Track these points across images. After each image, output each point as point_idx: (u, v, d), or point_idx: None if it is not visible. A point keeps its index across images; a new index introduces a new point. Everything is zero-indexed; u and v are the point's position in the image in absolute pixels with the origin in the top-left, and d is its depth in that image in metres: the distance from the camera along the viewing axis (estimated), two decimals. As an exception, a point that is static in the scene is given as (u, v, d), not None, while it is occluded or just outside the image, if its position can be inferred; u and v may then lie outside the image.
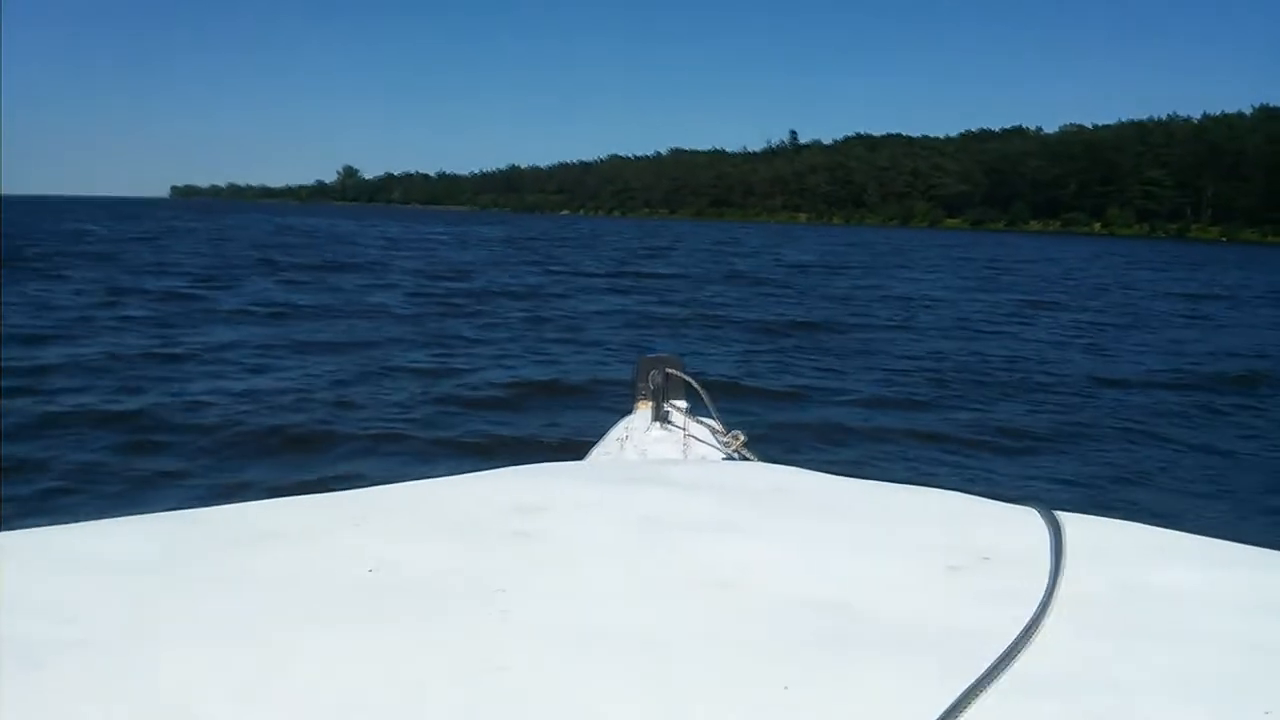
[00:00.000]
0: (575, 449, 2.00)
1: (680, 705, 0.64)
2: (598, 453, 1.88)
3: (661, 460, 1.73)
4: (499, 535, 0.96)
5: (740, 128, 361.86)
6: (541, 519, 1.01)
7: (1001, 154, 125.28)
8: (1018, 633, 0.73)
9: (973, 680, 0.65)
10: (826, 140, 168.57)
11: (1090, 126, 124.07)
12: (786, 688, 0.65)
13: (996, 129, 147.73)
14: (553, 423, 6.80)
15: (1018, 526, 1.01)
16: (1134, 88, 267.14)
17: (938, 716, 0.60)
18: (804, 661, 0.70)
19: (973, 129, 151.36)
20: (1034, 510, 1.05)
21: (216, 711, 0.61)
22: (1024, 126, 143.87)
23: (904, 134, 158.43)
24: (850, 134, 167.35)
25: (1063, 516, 1.01)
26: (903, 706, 0.63)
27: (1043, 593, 0.81)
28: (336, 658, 0.68)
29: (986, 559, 0.91)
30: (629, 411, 2.01)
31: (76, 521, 0.96)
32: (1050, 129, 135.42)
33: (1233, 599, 0.84)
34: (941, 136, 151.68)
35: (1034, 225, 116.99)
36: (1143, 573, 0.89)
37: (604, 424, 2.02)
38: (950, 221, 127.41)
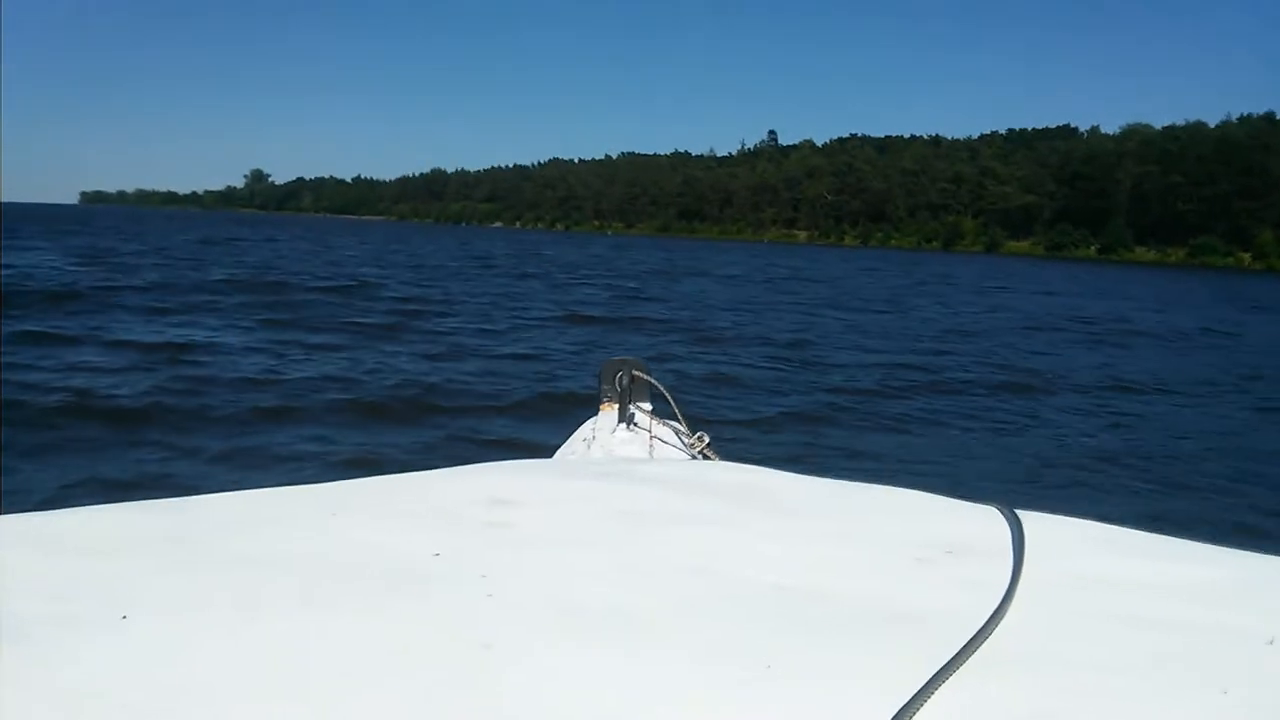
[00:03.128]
0: (541, 451, 2.03)
1: (666, 681, 0.66)
2: (563, 454, 1.91)
3: (629, 459, 1.75)
4: (476, 525, 0.98)
5: (704, 130, 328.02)
6: (516, 511, 1.03)
7: (1086, 156, 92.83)
8: (985, 618, 0.76)
9: (944, 661, 0.68)
10: (819, 140, 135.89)
11: (1210, 124, 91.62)
12: (769, 666, 0.68)
13: (1030, 129, 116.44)
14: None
15: (980, 523, 1.04)
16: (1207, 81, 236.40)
17: (913, 693, 0.63)
18: (784, 642, 0.72)
19: (999, 130, 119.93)
20: (994, 508, 1.08)
21: (206, 693, 0.62)
22: (1073, 126, 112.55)
23: (918, 134, 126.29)
24: (846, 134, 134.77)
25: (1022, 514, 1.04)
26: (881, 684, 0.65)
27: (1007, 582, 0.84)
28: (322, 639, 0.69)
29: (951, 552, 0.95)
30: (594, 413, 2.05)
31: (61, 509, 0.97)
32: (1109, 128, 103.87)
33: (1184, 589, 0.88)
34: (975, 136, 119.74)
35: (1142, 253, 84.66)
36: (1100, 565, 0.93)
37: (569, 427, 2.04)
38: (1015, 245, 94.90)
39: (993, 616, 0.76)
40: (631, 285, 24.14)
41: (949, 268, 50.40)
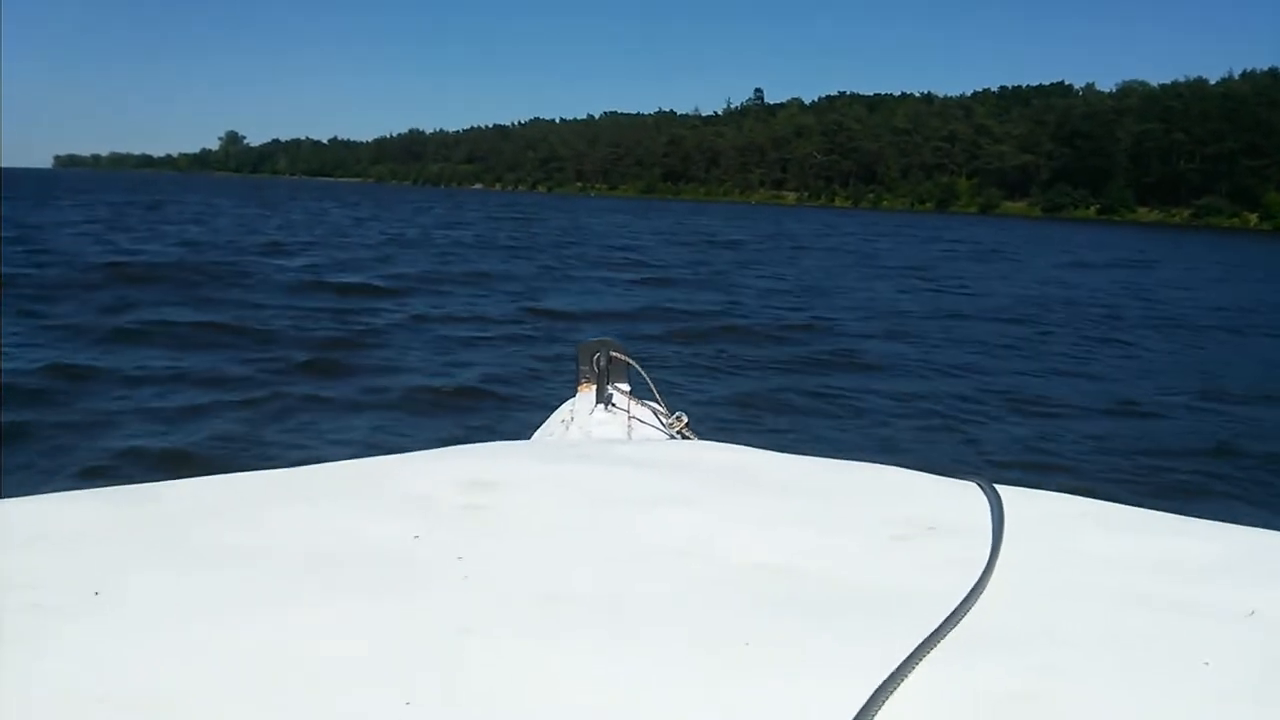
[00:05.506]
0: (518, 432, 2.08)
1: (645, 662, 0.66)
2: (541, 435, 1.91)
3: (607, 440, 1.75)
4: (452, 509, 0.97)
5: (688, 89, 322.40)
6: (493, 494, 1.02)
7: (1083, 114, 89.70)
8: (964, 595, 0.76)
9: (923, 638, 0.68)
10: (807, 99, 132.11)
11: (1210, 80, 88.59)
12: (748, 644, 0.68)
13: (1025, 85, 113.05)
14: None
15: (960, 499, 1.04)
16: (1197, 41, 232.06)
17: (891, 672, 0.63)
18: (762, 622, 0.72)
19: (992, 87, 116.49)
20: (974, 484, 1.08)
21: (182, 684, 0.61)
22: (1068, 83, 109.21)
23: (909, 91, 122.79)
24: (835, 92, 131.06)
25: (1002, 489, 1.04)
26: (860, 663, 0.65)
27: (986, 559, 0.84)
28: (298, 627, 0.69)
29: (931, 529, 0.95)
30: (572, 395, 2.05)
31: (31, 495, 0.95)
32: (1105, 86, 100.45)
33: (1164, 563, 0.88)
34: (969, 94, 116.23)
35: (1145, 213, 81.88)
36: (1078, 540, 0.94)
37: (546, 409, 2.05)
38: (1011, 205, 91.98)
39: (970, 594, 0.76)
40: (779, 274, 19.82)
41: (979, 232, 46.32)
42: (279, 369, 7.80)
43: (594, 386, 2.01)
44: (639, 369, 2.02)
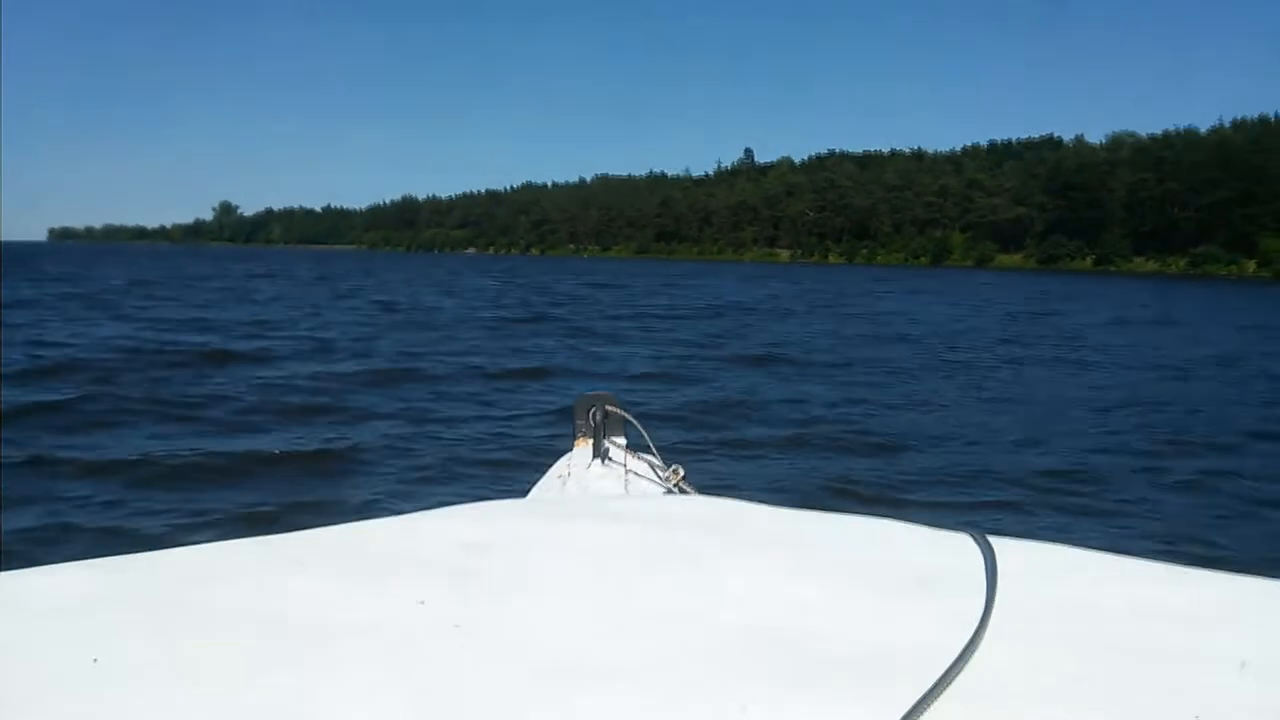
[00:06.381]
0: (516, 489, 2.09)
1: None
2: (539, 491, 1.91)
3: (604, 496, 1.77)
4: (448, 573, 0.96)
5: (678, 150, 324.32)
6: (489, 556, 1.02)
7: (1076, 166, 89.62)
8: (959, 651, 0.76)
9: (919, 695, 0.68)
10: (797, 158, 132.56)
11: (1200, 130, 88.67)
12: (744, 708, 0.67)
13: (1014, 140, 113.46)
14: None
15: (952, 551, 1.04)
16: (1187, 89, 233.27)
17: None
18: (758, 684, 0.72)
19: (980, 142, 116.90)
20: (967, 535, 1.08)
21: None
22: (1057, 136, 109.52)
23: (899, 149, 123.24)
24: (825, 151, 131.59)
25: (994, 540, 1.05)
26: None
27: (980, 613, 0.84)
28: (291, 699, 0.68)
29: (924, 583, 0.95)
30: (569, 449, 2.06)
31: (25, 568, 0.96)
32: (1094, 138, 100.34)
33: (1157, 613, 0.89)
34: (958, 149, 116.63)
35: (1141, 263, 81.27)
36: (1071, 592, 0.94)
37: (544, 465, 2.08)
38: (1006, 258, 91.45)
39: (965, 649, 0.77)
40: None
41: (1000, 291, 42.96)
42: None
43: (591, 441, 2.00)
44: (635, 423, 2.01)
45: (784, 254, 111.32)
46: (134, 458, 6.25)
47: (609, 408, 2.02)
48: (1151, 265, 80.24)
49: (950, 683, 0.71)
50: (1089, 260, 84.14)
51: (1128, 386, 11.78)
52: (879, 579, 0.96)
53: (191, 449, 6.62)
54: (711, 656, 0.77)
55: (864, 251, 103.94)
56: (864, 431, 8.24)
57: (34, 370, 9.93)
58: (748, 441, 7.73)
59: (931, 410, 9.73)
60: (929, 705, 0.67)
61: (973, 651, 0.76)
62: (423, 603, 0.87)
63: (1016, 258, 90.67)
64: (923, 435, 8.15)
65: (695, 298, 31.07)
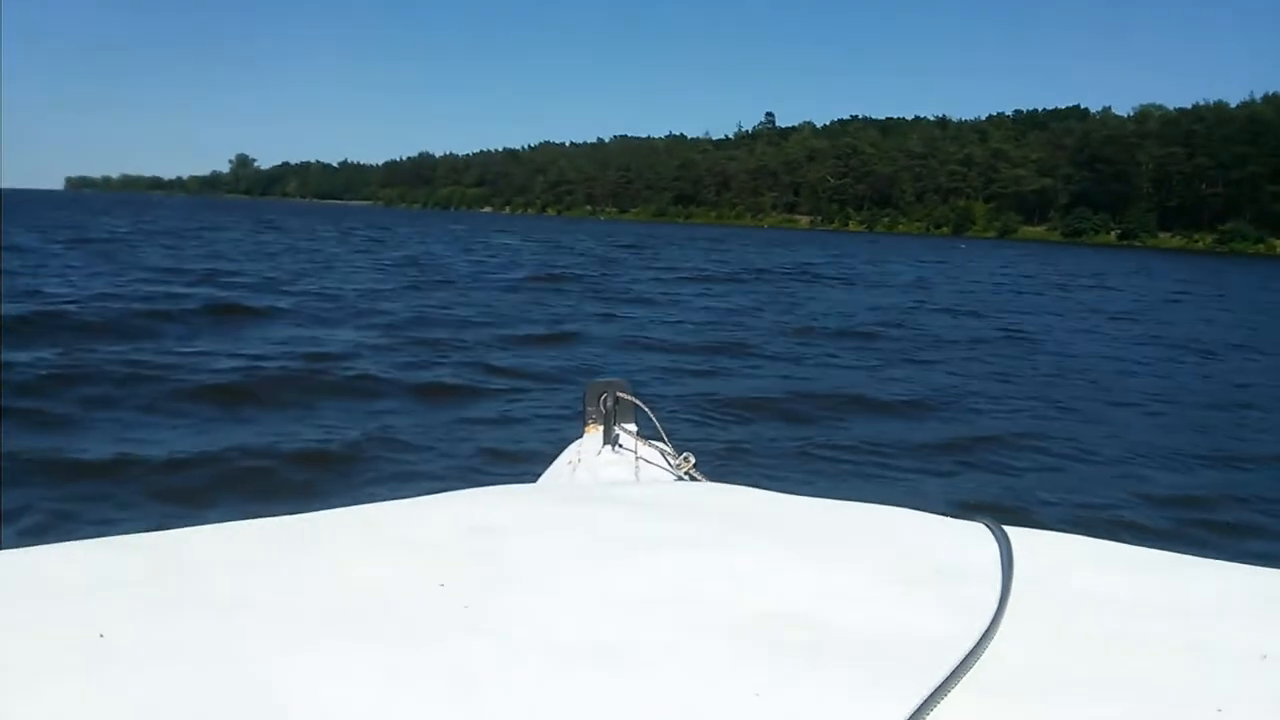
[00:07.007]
0: (525, 474, 2.04)
1: (655, 713, 0.66)
2: (549, 477, 1.92)
3: (615, 482, 1.76)
4: (459, 555, 0.97)
5: (699, 112, 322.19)
6: (500, 539, 1.02)
7: (1103, 138, 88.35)
8: (974, 640, 0.76)
9: (935, 685, 0.67)
10: (819, 122, 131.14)
11: (1230, 104, 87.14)
12: (757, 694, 0.67)
13: (1040, 110, 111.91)
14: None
15: (967, 541, 1.04)
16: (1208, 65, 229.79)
17: (904, 719, 0.63)
18: (771, 670, 0.72)
19: (1006, 111, 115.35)
20: (982, 525, 1.08)
21: None
22: (1084, 107, 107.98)
23: (923, 115, 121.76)
24: (847, 116, 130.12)
25: (1011, 531, 1.05)
26: (870, 710, 0.65)
27: (995, 602, 0.84)
28: (304, 677, 0.69)
29: (939, 572, 0.95)
30: (579, 436, 2.05)
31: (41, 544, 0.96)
32: (1121, 110, 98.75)
33: (1175, 605, 0.88)
34: (983, 117, 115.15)
35: (1168, 239, 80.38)
36: (1089, 582, 0.93)
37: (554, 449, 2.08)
38: (1029, 230, 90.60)
39: (981, 639, 0.76)
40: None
41: (1058, 263, 41.11)
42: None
43: (601, 427, 1.99)
44: (646, 409, 1.99)
45: (803, 220, 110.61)
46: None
47: (620, 394, 2.01)
48: (1177, 241, 79.48)
49: (965, 673, 0.70)
50: (1113, 234, 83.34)
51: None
52: (894, 567, 0.96)
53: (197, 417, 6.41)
54: (724, 641, 0.77)
55: (885, 220, 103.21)
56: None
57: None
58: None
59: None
60: (944, 696, 0.67)
61: (988, 641, 0.76)
62: (431, 584, 0.87)
63: (1040, 229, 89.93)
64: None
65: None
